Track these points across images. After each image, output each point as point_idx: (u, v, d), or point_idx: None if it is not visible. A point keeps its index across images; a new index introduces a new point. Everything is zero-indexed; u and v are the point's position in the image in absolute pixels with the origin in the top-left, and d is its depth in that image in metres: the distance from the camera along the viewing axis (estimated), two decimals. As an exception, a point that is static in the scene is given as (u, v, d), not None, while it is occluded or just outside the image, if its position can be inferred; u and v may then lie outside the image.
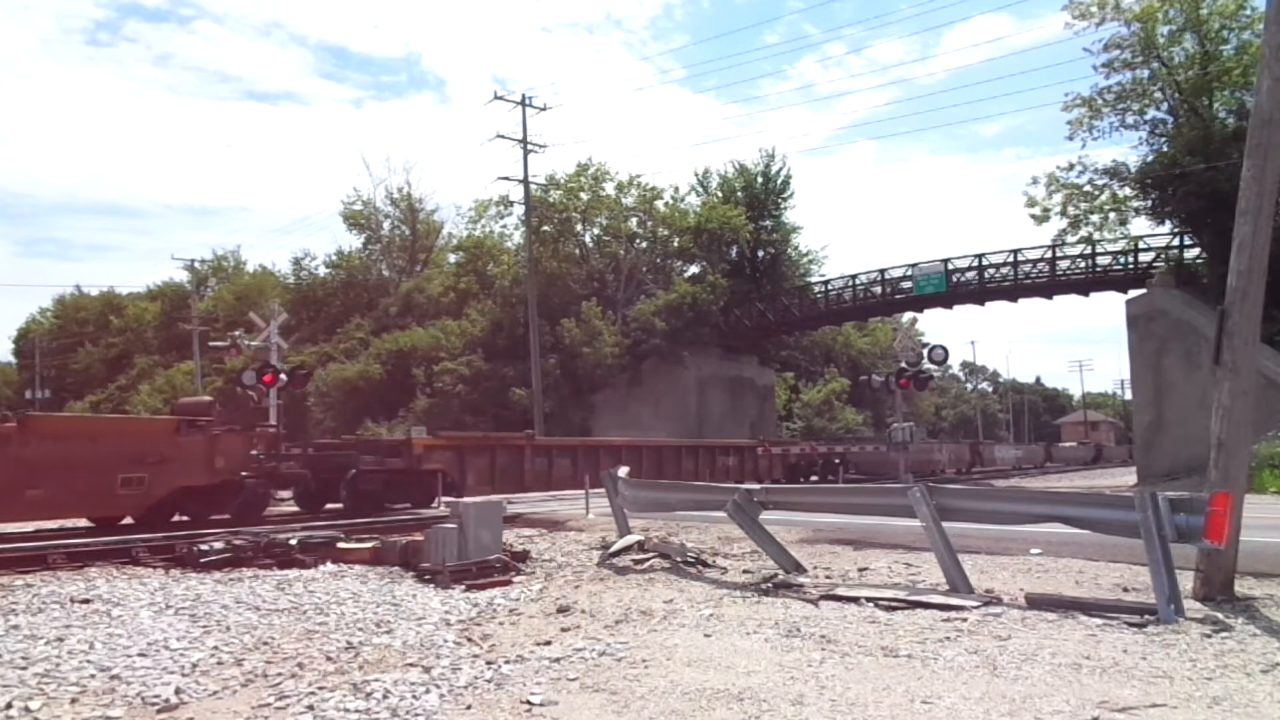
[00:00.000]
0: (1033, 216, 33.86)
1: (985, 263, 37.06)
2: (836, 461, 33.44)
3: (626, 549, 10.68)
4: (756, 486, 10.41)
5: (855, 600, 7.68)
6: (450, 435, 23.41)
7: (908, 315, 53.21)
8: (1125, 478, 34.24)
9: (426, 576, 9.50)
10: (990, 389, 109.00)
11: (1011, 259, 36.54)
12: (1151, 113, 31.84)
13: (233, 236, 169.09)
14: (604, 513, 13.62)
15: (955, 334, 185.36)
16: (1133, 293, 31.96)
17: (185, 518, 15.90)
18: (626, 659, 5.88)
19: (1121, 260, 34.00)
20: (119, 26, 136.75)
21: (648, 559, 10.34)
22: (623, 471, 12.36)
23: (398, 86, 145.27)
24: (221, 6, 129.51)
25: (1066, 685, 5.04)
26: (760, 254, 49.03)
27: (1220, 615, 6.73)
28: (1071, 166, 33.09)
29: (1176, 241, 31.95)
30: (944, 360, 37.19)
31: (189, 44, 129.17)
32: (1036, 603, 7.29)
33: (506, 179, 40.04)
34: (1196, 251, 30.71)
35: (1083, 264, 35.08)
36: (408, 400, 44.21)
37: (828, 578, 9.09)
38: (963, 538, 9.10)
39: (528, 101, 38.40)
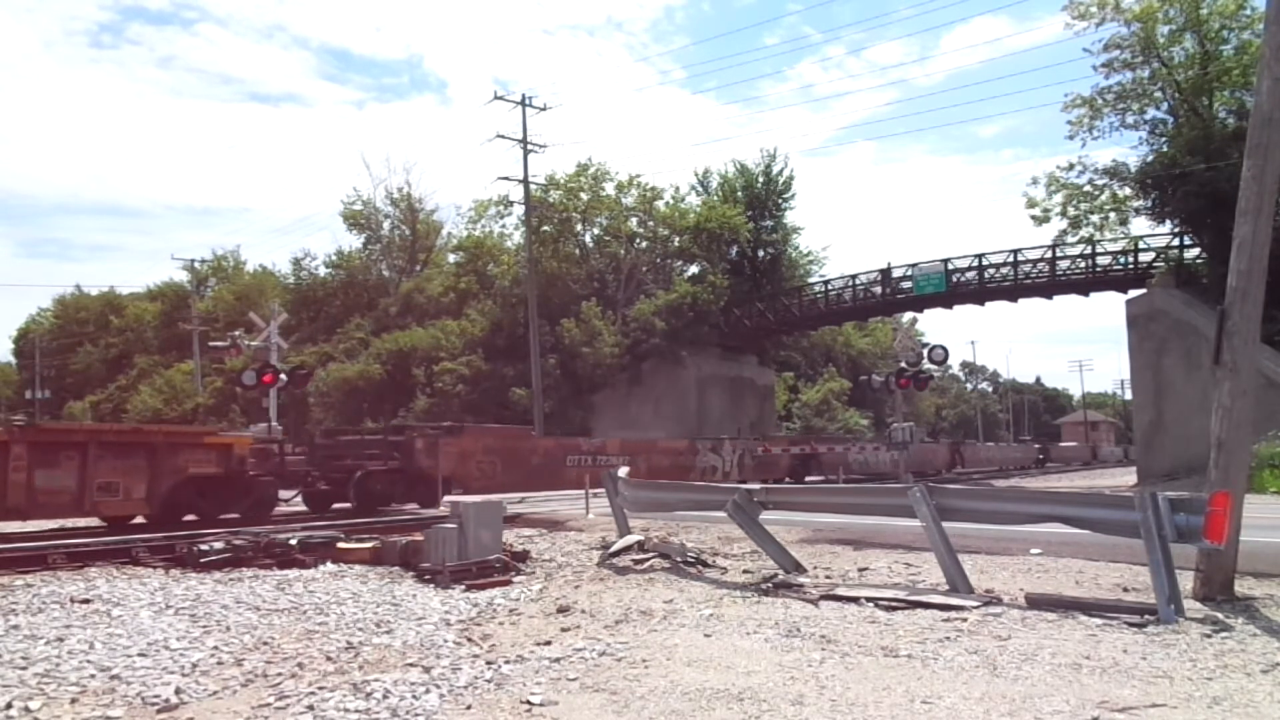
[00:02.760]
0: (1033, 217, 33.93)
1: (985, 263, 37.06)
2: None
3: (626, 549, 10.69)
4: (757, 486, 10.42)
5: (855, 600, 7.67)
6: None
7: (908, 315, 53.20)
8: (1124, 478, 34.24)
9: (426, 576, 9.50)
10: (990, 389, 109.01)
11: (1011, 259, 36.53)
12: (1151, 113, 31.88)
13: (233, 237, 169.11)
14: (604, 513, 13.63)
15: (955, 334, 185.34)
16: (1133, 293, 31.95)
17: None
18: (626, 659, 5.87)
19: (1121, 260, 33.99)
20: (122, 29, 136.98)
21: (648, 559, 10.34)
22: (623, 472, 12.37)
23: (399, 88, 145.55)
24: (225, 9, 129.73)
25: (1066, 685, 5.04)
26: (760, 254, 49.01)
27: (1220, 615, 6.73)
28: (1071, 166, 33.16)
29: (1176, 241, 31.93)
30: (944, 360, 37.21)
31: (192, 46, 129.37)
32: (1036, 603, 7.29)
33: (506, 179, 40.04)
34: (1196, 251, 30.70)
35: (1083, 264, 35.07)
36: (408, 400, 44.19)
37: (828, 578, 9.09)
38: (963, 538, 9.10)
39: (528, 102, 38.37)
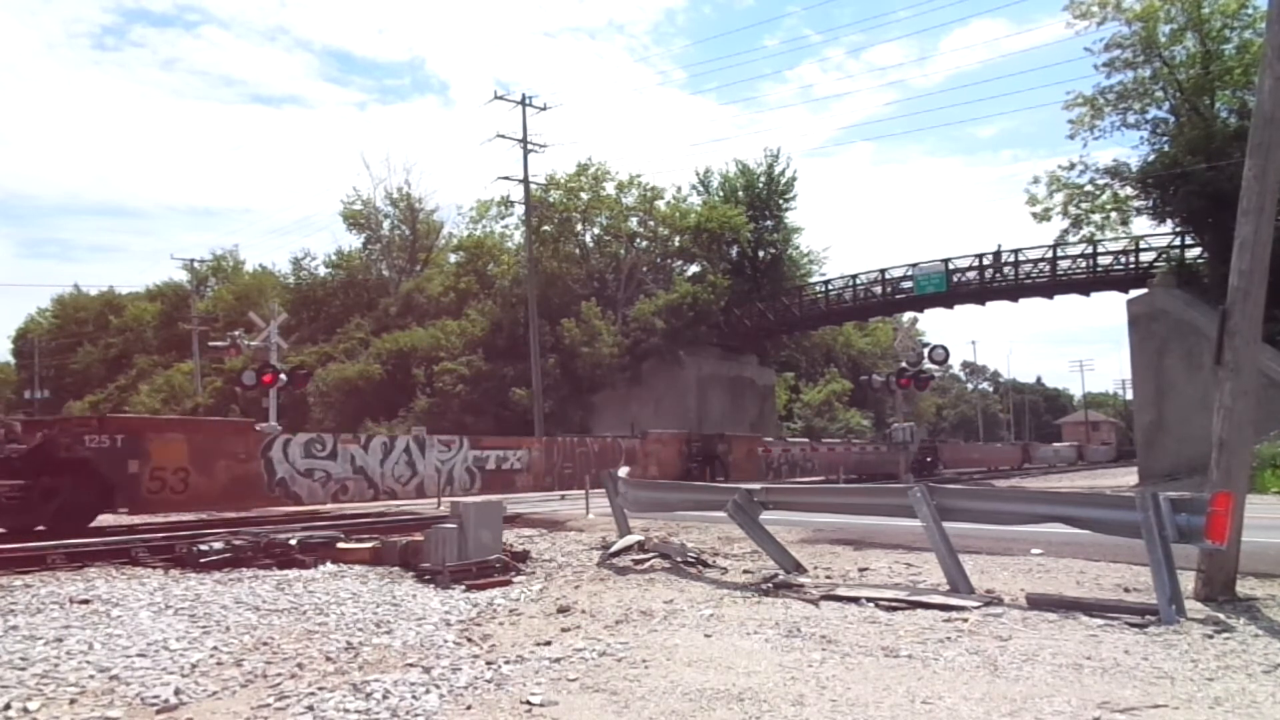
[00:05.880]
0: (1034, 215, 34.03)
1: (985, 263, 37.05)
2: None
3: (627, 549, 10.67)
4: (757, 486, 10.41)
5: (856, 600, 7.66)
6: None
7: (908, 315, 53.18)
8: (1126, 478, 34.21)
9: (426, 576, 9.48)
10: (991, 389, 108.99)
11: (1012, 259, 36.54)
12: (1153, 112, 31.92)
13: (233, 236, 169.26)
14: (604, 513, 13.62)
15: (956, 334, 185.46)
16: (1134, 292, 31.95)
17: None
18: (627, 659, 5.86)
19: (1122, 260, 34.01)
20: (125, 31, 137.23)
21: (648, 559, 10.32)
22: (623, 471, 12.36)
23: (401, 90, 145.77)
24: (228, 11, 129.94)
25: (1067, 686, 5.02)
26: (761, 254, 49.00)
27: (1222, 616, 6.71)
28: (1072, 166, 33.22)
29: (1178, 241, 31.95)
30: (944, 360, 37.16)
31: (195, 48, 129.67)
32: (1037, 603, 7.27)
33: (507, 179, 40.02)
34: (1198, 251, 30.72)
35: (1084, 264, 35.10)
36: (408, 400, 44.20)
37: (828, 578, 9.07)
38: (963, 538, 9.08)
39: (528, 101, 38.34)
